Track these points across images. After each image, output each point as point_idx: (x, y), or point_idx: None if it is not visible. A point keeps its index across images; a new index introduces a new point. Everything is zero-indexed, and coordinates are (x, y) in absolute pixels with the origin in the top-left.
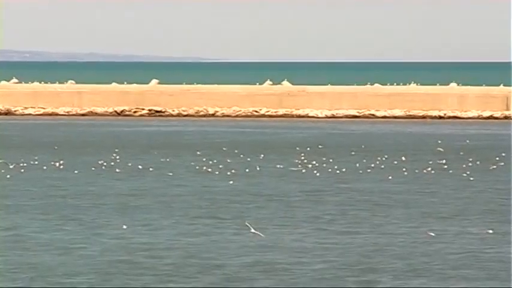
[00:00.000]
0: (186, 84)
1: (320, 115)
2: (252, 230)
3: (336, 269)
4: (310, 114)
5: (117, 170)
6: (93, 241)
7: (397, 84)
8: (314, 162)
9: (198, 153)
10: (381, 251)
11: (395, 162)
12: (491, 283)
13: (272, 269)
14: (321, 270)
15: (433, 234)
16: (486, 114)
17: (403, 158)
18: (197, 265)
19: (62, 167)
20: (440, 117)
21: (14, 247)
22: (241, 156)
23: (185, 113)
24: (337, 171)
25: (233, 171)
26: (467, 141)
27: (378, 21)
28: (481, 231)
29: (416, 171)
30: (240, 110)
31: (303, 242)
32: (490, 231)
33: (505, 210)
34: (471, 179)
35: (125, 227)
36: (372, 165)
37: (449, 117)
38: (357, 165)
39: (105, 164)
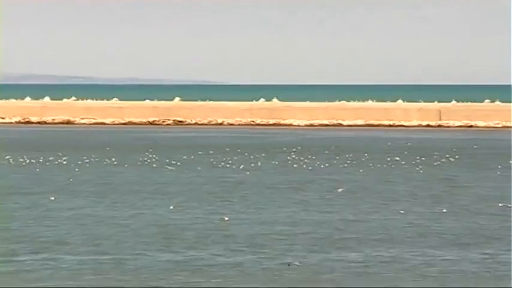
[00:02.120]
0: (201, 101)
1: (301, 124)
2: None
3: (319, 239)
4: (293, 124)
5: (154, 166)
6: (139, 218)
7: (359, 101)
8: (302, 159)
9: (211, 152)
10: (357, 225)
11: (362, 159)
12: (450, 247)
13: (271, 239)
14: (308, 239)
15: (402, 211)
16: (424, 123)
17: (366, 155)
18: (216, 235)
19: (115, 162)
20: (390, 126)
21: (78, 222)
22: (245, 154)
23: (200, 123)
24: (322, 166)
25: (242, 166)
26: (409, 143)
27: (345, 51)
28: (434, 211)
29: (378, 165)
30: (241, 120)
31: (294, 218)
32: (444, 210)
33: (449, 194)
34: (421, 171)
35: (172, 207)
36: (348, 161)
37: (397, 126)
38: (334, 161)
39: (147, 160)
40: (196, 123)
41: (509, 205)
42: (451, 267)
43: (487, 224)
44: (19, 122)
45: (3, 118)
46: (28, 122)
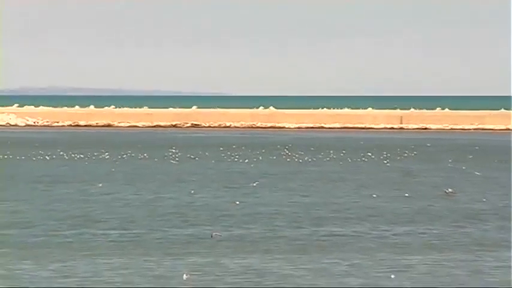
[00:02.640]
0: (212, 108)
1: (291, 127)
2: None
3: (303, 217)
4: (286, 126)
5: (177, 159)
6: (161, 200)
7: (337, 109)
8: (293, 154)
9: (221, 149)
10: (334, 206)
11: (341, 154)
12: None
13: (259, 217)
14: (295, 217)
15: (375, 196)
16: (389, 126)
17: (344, 152)
18: (222, 214)
19: (147, 156)
20: (362, 128)
21: (114, 204)
22: (249, 150)
23: (212, 126)
24: (309, 160)
25: (246, 160)
26: (377, 142)
27: (331, 68)
28: (397, 195)
29: (354, 159)
30: (245, 124)
31: (286, 201)
32: (406, 194)
33: (408, 182)
34: (388, 164)
35: (192, 191)
36: (329, 156)
37: (367, 128)
38: (319, 156)
39: (171, 155)
40: (209, 126)
41: (447, 190)
42: (406, 238)
43: (436, 205)
44: (70, 125)
45: (57, 122)
46: (77, 125)
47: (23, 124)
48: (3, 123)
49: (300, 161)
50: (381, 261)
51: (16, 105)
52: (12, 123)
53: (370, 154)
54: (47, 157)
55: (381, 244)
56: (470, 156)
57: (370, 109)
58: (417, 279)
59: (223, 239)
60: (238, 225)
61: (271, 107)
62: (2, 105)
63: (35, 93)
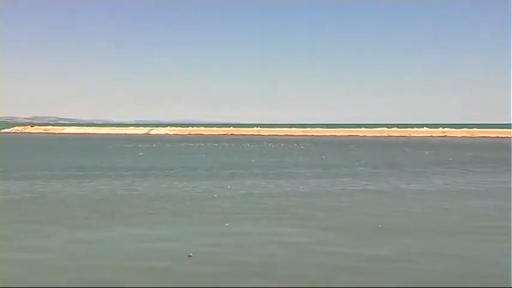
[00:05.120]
0: (239, 128)
1: (266, 134)
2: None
3: (273, 166)
4: (264, 134)
5: (226, 146)
6: (223, 160)
7: (282, 128)
8: (269, 144)
9: (241, 141)
10: (281, 162)
11: (285, 144)
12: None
13: (254, 165)
14: (268, 165)
15: (300, 159)
16: (302, 134)
17: (285, 144)
18: (240, 166)
19: (216, 145)
20: (291, 135)
21: (207, 162)
22: (252, 142)
23: (239, 134)
24: (274, 146)
25: (252, 146)
26: (298, 143)
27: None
28: (306, 158)
29: (290, 146)
30: (250, 133)
31: (265, 162)
32: (309, 158)
33: (309, 154)
34: (302, 147)
35: (235, 158)
36: (282, 145)
37: (293, 135)
38: (277, 145)
39: (225, 145)
40: (238, 134)
41: (323, 157)
42: (308, 173)
43: (317, 162)
44: (188, 134)
45: (185, 133)
46: (190, 134)
47: (172, 133)
48: (164, 133)
49: (272, 147)
50: (301, 183)
51: (169, 126)
52: (168, 133)
53: (296, 144)
54: (181, 145)
55: (300, 175)
56: (336, 145)
57: (294, 128)
58: (311, 188)
59: (239, 174)
60: (246, 169)
61: (259, 127)
62: (163, 127)
63: (176, 122)
